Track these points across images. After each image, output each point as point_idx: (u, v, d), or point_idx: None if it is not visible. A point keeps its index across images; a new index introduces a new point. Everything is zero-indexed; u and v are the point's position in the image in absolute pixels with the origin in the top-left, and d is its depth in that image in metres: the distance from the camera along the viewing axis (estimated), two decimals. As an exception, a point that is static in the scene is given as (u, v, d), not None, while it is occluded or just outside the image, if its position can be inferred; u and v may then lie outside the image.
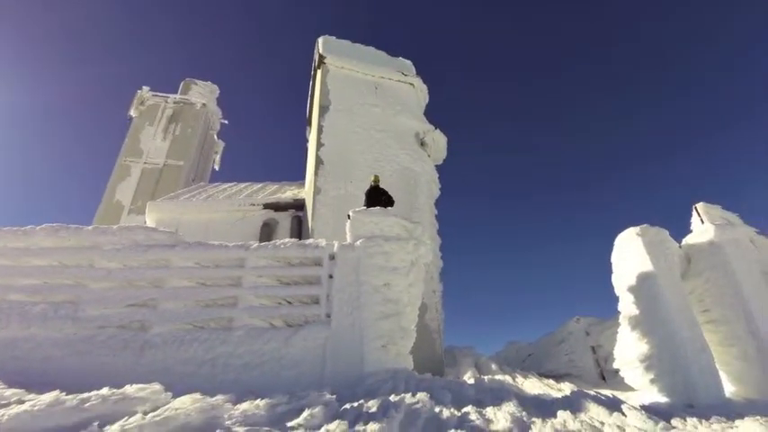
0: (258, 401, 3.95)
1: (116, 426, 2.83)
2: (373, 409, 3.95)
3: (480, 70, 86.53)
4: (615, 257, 7.99)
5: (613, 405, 4.34)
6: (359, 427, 3.45)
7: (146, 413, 3.13)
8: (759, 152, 62.64)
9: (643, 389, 6.75)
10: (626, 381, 7.26)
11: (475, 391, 5.15)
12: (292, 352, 5.97)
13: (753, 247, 7.75)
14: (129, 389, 3.64)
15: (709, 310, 7.36)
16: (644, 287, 7.08)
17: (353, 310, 6.37)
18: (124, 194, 19.95)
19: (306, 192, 15.02)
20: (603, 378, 10.94)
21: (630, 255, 7.52)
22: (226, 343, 5.98)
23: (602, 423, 3.89)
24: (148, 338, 5.98)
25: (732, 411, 4.78)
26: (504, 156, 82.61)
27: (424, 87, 18.21)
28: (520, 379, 9.30)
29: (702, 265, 7.66)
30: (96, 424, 2.86)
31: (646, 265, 7.13)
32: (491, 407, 4.27)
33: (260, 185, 17.80)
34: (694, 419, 4.23)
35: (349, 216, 7.52)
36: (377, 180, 9.18)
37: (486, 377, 8.93)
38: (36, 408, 3.03)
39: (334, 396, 4.40)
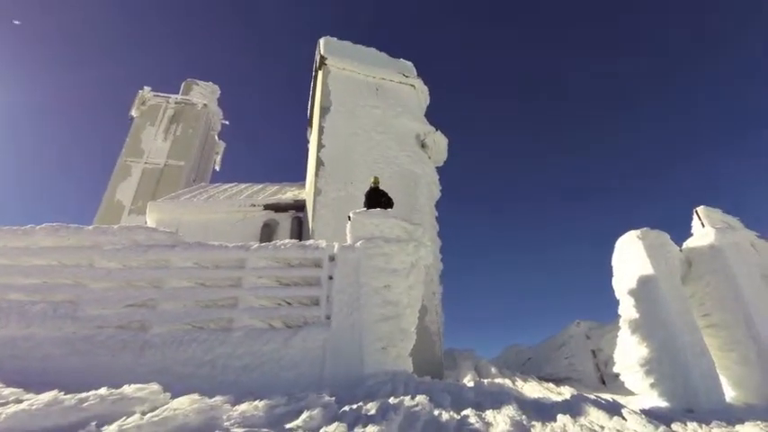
0: (257, 403, 3.94)
1: (114, 426, 2.82)
2: (372, 412, 3.94)
3: (482, 72, 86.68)
4: (616, 261, 7.98)
5: (613, 409, 4.32)
6: (358, 429, 3.44)
7: (144, 413, 3.12)
8: (760, 156, 62.62)
9: (643, 393, 6.72)
10: (626, 385, 7.23)
11: (474, 394, 5.13)
12: (292, 353, 5.95)
13: (753, 250, 7.74)
14: (128, 389, 3.62)
15: (709, 314, 7.34)
16: (644, 291, 7.06)
17: (353, 312, 6.35)
18: (125, 194, 19.96)
19: (306, 193, 15.02)
20: (604, 382, 10.91)
21: (631, 258, 7.50)
22: (225, 344, 5.97)
23: (602, 427, 3.88)
24: (148, 339, 5.97)
25: (732, 416, 4.76)
26: (505, 158, 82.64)
27: (425, 89, 18.21)
28: (519, 382, 9.26)
29: (703, 268, 7.64)
30: (94, 424, 2.85)
31: (646, 268, 7.12)
32: (490, 410, 4.26)
33: (260, 186, 17.79)
34: (695, 424, 4.21)
35: (349, 217, 7.51)
36: (377, 182, 9.16)
37: (485, 380, 8.90)
38: (34, 407, 3.02)
39: (333, 398, 4.38)
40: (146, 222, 14.19)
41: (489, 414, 4.13)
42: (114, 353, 5.81)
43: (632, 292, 7.29)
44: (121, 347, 5.87)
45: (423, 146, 15.34)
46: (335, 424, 3.44)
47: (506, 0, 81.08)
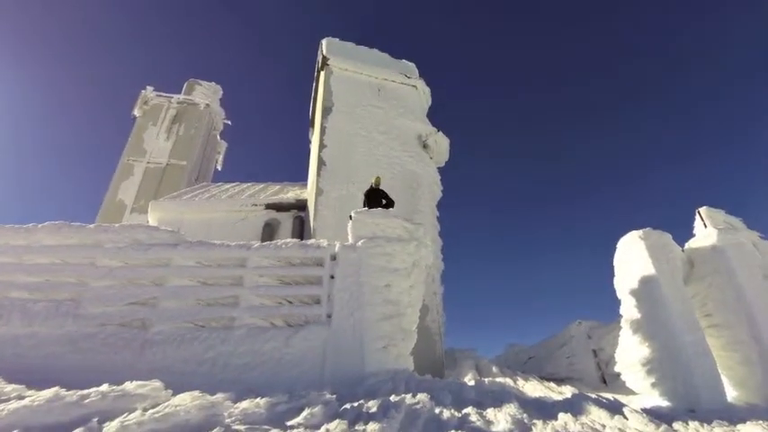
0: (258, 400, 3.94)
1: (115, 422, 2.83)
2: (373, 410, 3.94)
3: (484, 73, 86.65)
4: (618, 261, 7.97)
5: (615, 408, 4.32)
6: (359, 426, 3.45)
7: (145, 410, 3.12)
8: (763, 157, 62.47)
9: (644, 393, 6.72)
10: (627, 384, 7.22)
11: (475, 392, 5.13)
12: (293, 352, 5.96)
13: (756, 251, 7.72)
14: (129, 386, 3.64)
15: (711, 314, 7.33)
16: (646, 291, 7.05)
17: (354, 311, 6.36)
18: (127, 194, 19.99)
19: (308, 192, 15.04)
20: (605, 382, 10.89)
21: (633, 258, 7.49)
22: (226, 342, 5.98)
23: (604, 426, 3.88)
24: (149, 337, 5.99)
25: (734, 416, 4.75)
26: (506, 159, 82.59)
27: (427, 90, 18.23)
28: (521, 382, 9.25)
29: (705, 269, 7.63)
30: (96, 420, 2.86)
31: (648, 268, 7.11)
32: (492, 408, 4.26)
33: (262, 186, 17.83)
34: (696, 423, 4.21)
35: (351, 217, 7.52)
36: (378, 182, 9.16)
37: (486, 379, 8.89)
38: (35, 403, 3.03)
39: (335, 396, 4.38)
40: (148, 221, 14.24)
41: (490, 412, 4.13)
42: (116, 351, 5.83)
43: (634, 293, 7.29)
44: (123, 345, 5.89)
45: (424, 146, 15.36)
46: (336, 421, 3.45)
47: (508, 1, 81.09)
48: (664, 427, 3.84)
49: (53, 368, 5.47)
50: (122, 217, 18.88)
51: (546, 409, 4.48)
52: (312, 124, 19.45)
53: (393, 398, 4.33)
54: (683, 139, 72.92)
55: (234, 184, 18.64)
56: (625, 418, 4.03)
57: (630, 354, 7.07)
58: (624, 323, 7.39)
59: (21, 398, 3.29)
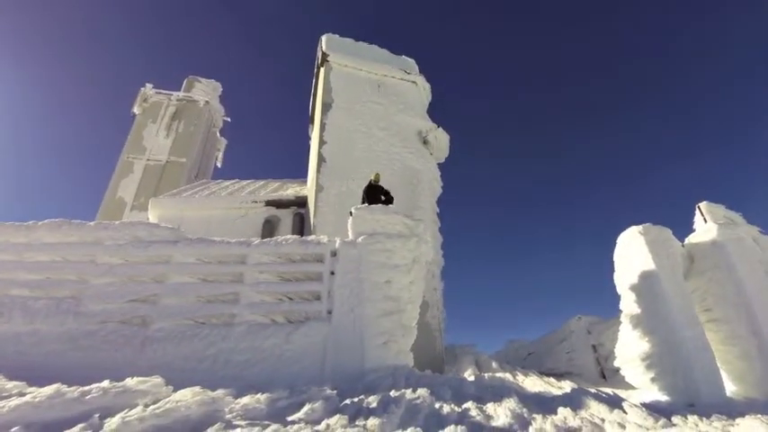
0: (259, 396, 3.96)
1: (117, 418, 2.84)
2: (374, 405, 3.95)
3: (484, 69, 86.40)
4: (618, 256, 7.98)
5: (614, 402, 4.33)
6: (359, 421, 3.46)
7: (147, 406, 3.14)
8: (762, 153, 62.38)
9: (644, 387, 6.74)
10: (627, 379, 7.25)
11: (475, 387, 5.14)
12: (293, 348, 5.97)
13: (756, 246, 7.73)
14: (130, 382, 3.65)
15: (710, 309, 7.34)
16: (646, 286, 7.07)
17: (355, 307, 6.37)
18: (127, 191, 19.98)
19: (308, 189, 15.03)
20: (604, 377, 10.93)
21: (633, 254, 7.50)
22: (227, 339, 5.99)
23: (603, 420, 3.88)
24: (150, 334, 6.00)
25: (733, 410, 4.77)
26: (506, 154, 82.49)
27: (427, 86, 18.18)
28: (520, 377, 9.29)
29: (705, 264, 7.64)
30: (97, 416, 2.87)
31: (648, 263, 7.12)
32: (491, 403, 4.27)
33: (262, 182, 17.82)
34: (695, 417, 4.22)
35: (351, 213, 7.52)
36: (377, 178, 9.14)
37: (486, 375, 8.93)
38: (37, 400, 3.04)
39: (335, 391, 4.40)
40: (148, 219, 14.24)
41: (490, 407, 4.14)
42: (116, 348, 5.84)
43: (634, 288, 7.30)
44: (124, 342, 5.89)
45: (424, 142, 15.34)
46: (337, 416, 3.46)
47: (508, 0, 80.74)
48: (663, 421, 3.85)
49: (54, 365, 5.48)
50: (122, 214, 18.88)
51: (545, 404, 4.49)
52: (312, 121, 19.42)
53: (393, 393, 4.34)
54: (682, 138, 72.87)
55: (234, 180, 18.64)
56: (624, 412, 4.04)
57: (630, 349, 7.09)
58: (624, 318, 7.41)
59: (22, 395, 3.30)
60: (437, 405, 4.12)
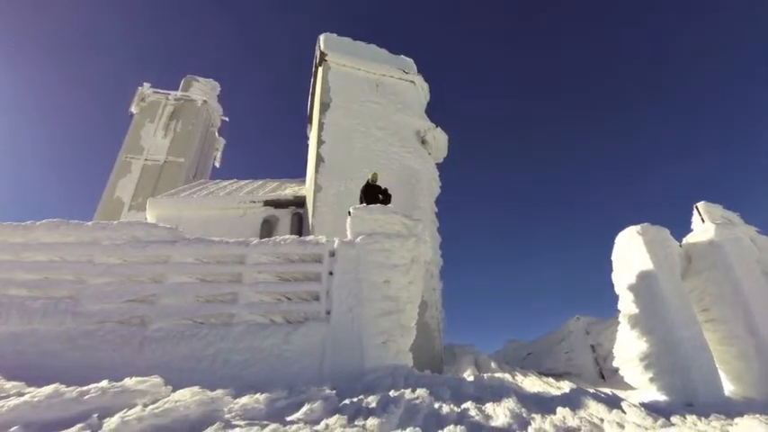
0: (258, 396, 3.95)
1: (116, 417, 2.83)
2: (373, 405, 3.95)
3: (482, 69, 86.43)
4: (616, 256, 8.00)
5: (613, 402, 4.34)
6: (358, 421, 3.46)
7: (145, 405, 3.13)
8: (760, 152, 62.59)
9: (642, 387, 6.75)
10: (625, 379, 7.26)
11: (474, 388, 5.14)
12: (292, 348, 5.97)
13: (753, 246, 7.74)
14: (129, 381, 3.64)
15: (708, 309, 7.36)
16: (644, 286, 7.08)
17: (353, 307, 6.36)
18: (125, 191, 19.93)
19: (306, 189, 15.02)
20: (603, 377, 10.95)
21: (631, 254, 7.52)
22: (226, 339, 5.98)
23: (602, 420, 3.89)
24: (148, 334, 5.99)
25: (731, 410, 4.77)
26: (505, 154, 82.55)
27: (426, 85, 18.18)
28: (519, 377, 9.30)
29: (703, 264, 7.65)
30: (96, 416, 2.86)
31: (646, 263, 7.13)
32: (490, 403, 4.27)
33: (260, 182, 17.80)
34: (694, 417, 4.23)
35: (349, 213, 7.51)
36: (375, 178, 9.13)
37: (485, 375, 8.94)
38: (35, 399, 3.03)
39: (334, 391, 4.40)
40: (146, 219, 14.20)
41: (489, 407, 4.15)
42: (115, 348, 5.83)
43: (632, 288, 7.31)
44: (122, 342, 5.88)
45: (423, 142, 15.34)
46: (336, 416, 3.46)
47: (508, 1, 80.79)
48: (662, 420, 3.86)
49: (52, 365, 5.47)
50: (120, 214, 18.84)
51: (544, 404, 4.49)
52: (310, 120, 19.40)
53: (392, 393, 4.34)
54: (680, 138, 73.10)
55: (232, 180, 18.61)
56: (623, 412, 4.05)
57: (628, 349, 7.11)
58: (622, 318, 7.42)
59: (20, 394, 3.29)
60: (436, 405, 4.12)
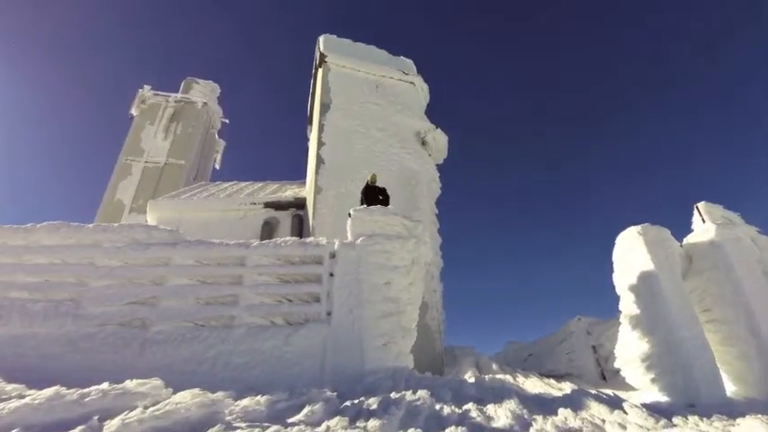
0: (259, 398, 3.94)
1: (116, 420, 2.83)
2: (374, 407, 3.94)
3: (482, 70, 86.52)
4: (616, 257, 7.98)
5: (614, 403, 4.33)
6: (359, 423, 3.45)
7: (146, 407, 3.12)
8: (760, 152, 62.59)
9: (644, 388, 6.73)
10: (627, 380, 7.24)
11: (476, 389, 5.14)
12: (293, 350, 5.96)
13: (754, 246, 7.73)
14: (130, 384, 3.64)
15: (709, 309, 7.34)
16: (645, 286, 7.07)
17: (354, 309, 6.36)
18: (125, 193, 19.94)
19: (307, 190, 15.03)
20: (604, 378, 10.93)
21: (632, 254, 7.51)
22: (226, 341, 5.98)
23: (604, 421, 3.88)
24: (149, 336, 5.98)
25: (734, 410, 4.76)
26: (505, 155, 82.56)
27: (425, 86, 18.21)
28: (521, 378, 9.28)
29: (703, 264, 7.64)
30: (96, 418, 2.86)
31: (647, 264, 7.12)
32: (492, 404, 4.26)
33: (261, 184, 17.82)
34: (696, 417, 4.22)
35: (350, 214, 7.51)
36: (374, 179, 9.15)
37: (486, 376, 8.92)
38: (36, 402, 3.02)
39: (335, 393, 4.39)
40: (146, 221, 14.21)
41: (491, 408, 4.14)
42: (116, 350, 5.82)
43: (633, 288, 7.30)
44: (123, 345, 5.88)
45: (423, 143, 15.36)
46: (337, 418, 3.45)
47: (508, 2, 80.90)
48: (663, 421, 3.85)
49: (53, 368, 5.46)
50: (121, 217, 18.84)
51: (546, 405, 4.49)
52: (310, 122, 19.43)
53: (393, 395, 4.33)
54: (680, 139, 73.11)
55: (232, 182, 18.64)
56: (625, 412, 4.04)
57: (630, 349, 7.09)
58: (623, 319, 7.41)
59: (21, 397, 3.29)
60: (437, 406, 4.12)
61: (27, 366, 5.36)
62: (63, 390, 3.28)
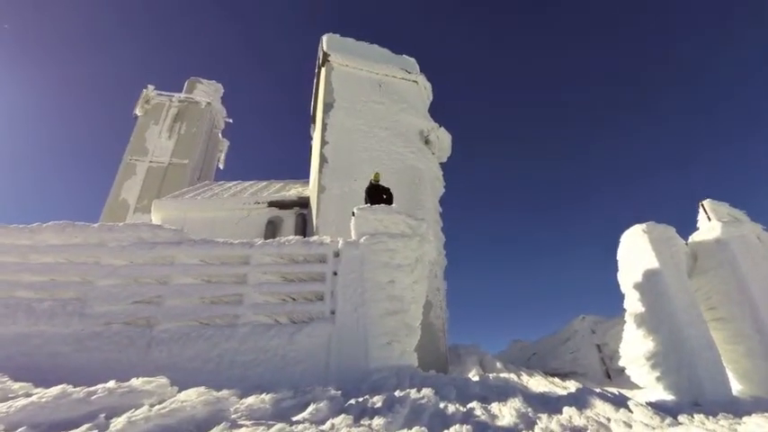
0: (264, 396, 3.96)
1: (123, 418, 2.85)
2: (378, 405, 3.95)
3: (486, 68, 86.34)
4: (621, 255, 7.95)
5: (619, 402, 4.32)
6: (364, 421, 3.46)
7: (152, 406, 3.14)
8: (766, 150, 62.18)
9: (649, 387, 6.71)
10: (632, 379, 7.22)
11: (480, 387, 5.13)
12: (297, 348, 5.98)
13: (759, 244, 7.68)
14: (136, 382, 3.66)
15: (715, 307, 7.30)
16: (650, 285, 7.04)
17: (358, 307, 6.37)
18: (130, 193, 20.02)
19: (310, 189, 15.04)
20: (609, 376, 10.89)
21: (637, 252, 7.47)
22: (231, 339, 6.01)
23: (609, 419, 3.87)
24: (154, 335, 6.02)
25: (740, 408, 4.74)
26: (509, 154, 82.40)
27: (428, 85, 18.16)
28: (525, 377, 9.27)
29: (709, 262, 7.60)
30: (103, 416, 2.88)
31: (652, 262, 7.09)
32: (496, 403, 4.26)
33: (264, 183, 17.85)
34: (701, 416, 4.20)
35: (353, 213, 7.52)
36: (377, 178, 9.16)
37: (490, 375, 8.91)
38: (43, 400, 3.05)
39: (339, 391, 4.40)
40: (151, 220, 14.27)
41: (495, 407, 4.14)
42: (121, 349, 5.86)
43: (638, 286, 7.27)
44: (128, 344, 5.92)
45: (426, 142, 15.32)
46: (342, 416, 3.46)
47: (510, 2, 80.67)
48: (669, 419, 3.84)
49: (59, 367, 5.51)
50: (126, 216, 18.92)
51: (551, 404, 4.48)
52: (313, 121, 19.43)
53: (398, 393, 4.34)
54: (685, 137, 72.69)
55: (236, 182, 18.66)
56: (630, 411, 4.03)
57: (634, 348, 7.06)
58: (628, 317, 7.38)
59: (28, 395, 3.32)
60: (442, 405, 4.12)
61: (34, 365, 5.41)
62: (69, 388, 3.31)
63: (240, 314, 6.29)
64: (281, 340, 6.01)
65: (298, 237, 7.49)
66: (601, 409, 4.16)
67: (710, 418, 4.18)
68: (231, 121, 27.87)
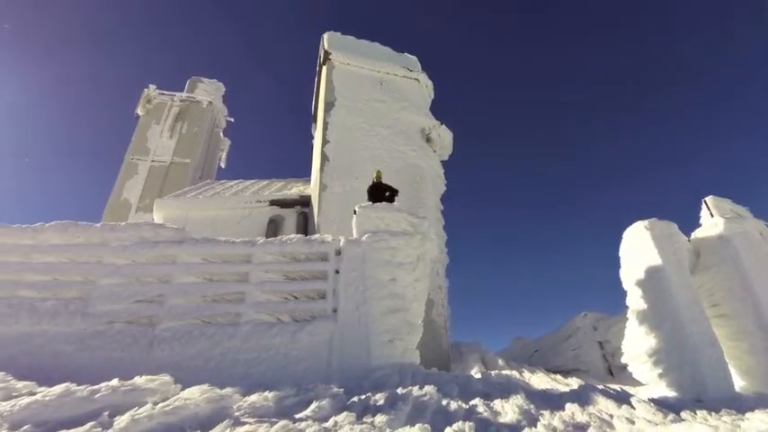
0: (266, 393, 3.97)
1: (126, 415, 2.86)
2: (381, 402, 3.96)
3: (487, 66, 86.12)
4: (623, 251, 7.92)
5: (622, 398, 4.32)
6: (367, 418, 3.47)
7: (155, 404, 3.16)
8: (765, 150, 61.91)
9: (651, 384, 6.69)
10: (634, 376, 7.20)
11: (482, 384, 5.14)
12: (299, 346, 5.99)
13: (763, 240, 7.65)
14: (139, 380, 3.67)
15: (718, 304, 7.28)
16: (652, 281, 7.01)
17: (360, 305, 6.38)
18: (132, 192, 20.05)
19: (312, 188, 15.04)
20: (611, 373, 10.88)
21: (639, 249, 7.44)
22: (233, 338, 6.02)
23: (611, 416, 3.87)
24: (157, 334, 6.04)
25: (742, 405, 4.72)
26: (510, 151, 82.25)
27: (430, 83, 18.11)
28: (527, 374, 9.27)
29: (712, 258, 7.57)
30: (106, 414, 2.90)
31: (654, 259, 7.06)
32: (499, 399, 4.26)
33: (266, 182, 17.85)
34: (704, 412, 4.19)
35: (355, 211, 7.52)
36: (379, 176, 9.16)
37: (493, 372, 8.91)
38: (47, 398, 3.07)
39: (342, 389, 4.41)
40: (153, 219, 14.30)
41: (497, 403, 4.14)
42: (124, 348, 5.88)
43: (640, 283, 7.24)
44: (131, 342, 5.93)
45: (428, 140, 15.29)
46: (344, 413, 3.47)
47: (511, 2, 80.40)
48: (672, 416, 3.83)
49: (62, 366, 5.52)
50: (128, 215, 18.95)
51: (553, 400, 4.48)
52: (315, 119, 19.41)
53: (400, 390, 4.34)
54: (687, 134, 72.47)
55: (237, 181, 18.67)
56: (632, 407, 4.02)
57: (637, 345, 7.05)
58: (630, 314, 7.36)
59: (32, 394, 3.33)
60: (444, 402, 4.12)
61: (37, 364, 5.43)
62: (73, 386, 3.32)
63: (242, 312, 6.30)
64: (284, 338, 6.02)
65: (299, 235, 7.51)
66: (603, 405, 4.16)
67: (713, 414, 4.17)
68: (232, 120, 27.89)
